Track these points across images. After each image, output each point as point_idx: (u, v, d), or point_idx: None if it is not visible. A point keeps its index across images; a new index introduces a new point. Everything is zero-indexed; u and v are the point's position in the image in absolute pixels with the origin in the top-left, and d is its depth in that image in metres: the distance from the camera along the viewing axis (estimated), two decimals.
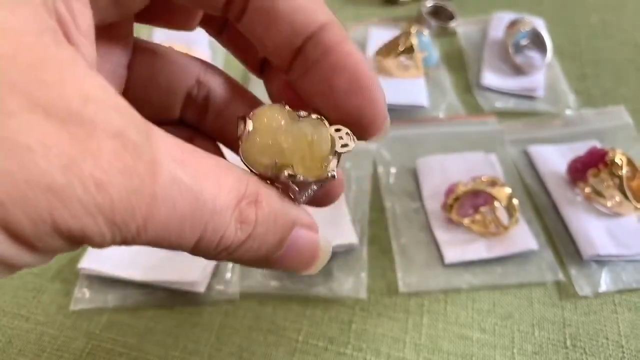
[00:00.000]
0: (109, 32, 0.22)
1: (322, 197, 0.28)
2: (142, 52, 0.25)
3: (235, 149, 0.27)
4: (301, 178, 0.21)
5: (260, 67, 0.26)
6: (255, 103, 0.26)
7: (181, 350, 0.37)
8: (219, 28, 0.26)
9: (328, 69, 0.22)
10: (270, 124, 0.22)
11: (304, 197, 0.23)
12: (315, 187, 0.22)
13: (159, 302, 0.39)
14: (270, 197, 0.20)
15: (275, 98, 0.26)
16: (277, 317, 0.39)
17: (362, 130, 0.23)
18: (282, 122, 0.22)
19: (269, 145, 0.21)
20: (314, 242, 0.23)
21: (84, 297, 0.40)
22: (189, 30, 0.26)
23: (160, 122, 0.24)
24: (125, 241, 0.16)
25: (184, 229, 0.17)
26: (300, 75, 0.23)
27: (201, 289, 0.39)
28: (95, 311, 0.39)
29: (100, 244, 0.16)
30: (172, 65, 0.25)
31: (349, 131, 0.22)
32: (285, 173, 0.21)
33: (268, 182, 0.22)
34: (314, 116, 0.22)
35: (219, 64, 0.61)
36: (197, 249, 0.19)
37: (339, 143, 0.22)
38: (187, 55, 0.26)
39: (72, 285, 0.40)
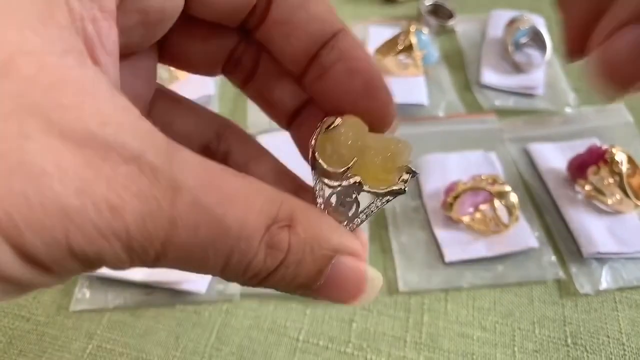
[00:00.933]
0: (134, 62, 0.22)
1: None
2: (162, 96, 0.25)
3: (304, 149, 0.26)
4: (369, 189, 0.21)
5: (289, 119, 0.26)
6: (275, 164, 0.26)
7: (182, 350, 0.37)
8: (245, 77, 0.26)
9: (343, 73, 0.22)
10: (357, 126, 0.22)
11: (357, 220, 0.22)
12: (377, 205, 0.22)
13: (160, 302, 0.39)
14: (308, 220, 0.19)
15: (303, 150, 0.26)
16: (277, 316, 0.39)
17: (373, 127, 0.23)
18: (363, 126, 0.22)
19: (353, 139, 0.21)
20: (359, 273, 0.21)
21: (84, 297, 0.40)
22: (213, 74, 0.26)
23: None
24: (145, 264, 0.16)
25: (207, 255, 0.17)
26: (314, 79, 0.23)
27: (202, 288, 0.39)
28: (96, 311, 0.39)
29: (118, 267, 0.15)
30: (191, 114, 0.26)
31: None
32: (356, 179, 0.21)
33: (319, 200, 0.21)
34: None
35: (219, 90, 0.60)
36: (225, 275, 0.18)
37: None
38: (206, 108, 0.26)
39: (72, 285, 0.40)
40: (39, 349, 0.37)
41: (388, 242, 0.43)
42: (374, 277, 0.22)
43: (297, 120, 0.26)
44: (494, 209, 0.43)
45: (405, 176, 0.21)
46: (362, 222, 0.22)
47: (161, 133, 0.16)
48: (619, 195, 0.42)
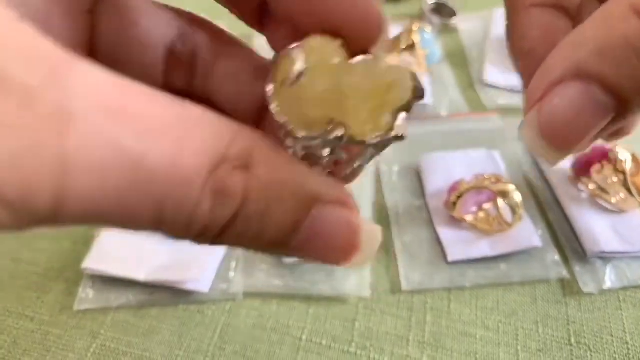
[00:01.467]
0: None
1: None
2: (109, 0, 0.21)
3: (250, 102, 0.21)
4: (359, 139, 0.16)
5: (259, 18, 0.22)
6: (253, 57, 0.22)
7: (185, 349, 0.37)
8: None
9: None
10: (327, 60, 0.16)
11: (348, 170, 0.18)
12: (371, 153, 0.17)
13: (163, 301, 0.40)
14: (272, 159, 0.15)
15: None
16: (280, 315, 0.39)
17: (358, 40, 0.18)
18: (337, 59, 0.16)
19: (325, 91, 0.16)
20: (350, 224, 0.17)
21: (88, 297, 0.40)
22: None
23: None
24: (41, 220, 0.12)
25: (127, 206, 0.13)
26: None
27: (205, 288, 0.40)
28: (100, 311, 0.39)
29: (4, 227, 0.12)
30: (147, 15, 0.21)
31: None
32: (338, 133, 0.15)
33: (289, 148, 0.16)
34: (368, 57, 0.17)
35: None
36: (164, 231, 0.14)
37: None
38: (165, 5, 0.22)
39: (76, 285, 0.40)
40: (43, 348, 0.37)
41: (391, 241, 0.43)
42: (370, 229, 0.18)
43: (269, 16, 0.21)
44: (497, 208, 0.43)
45: (402, 117, 0.16)
46: (353, 172, 0.18)
47: (49, 42, 0.12)
48: (623, 194, 0.42)
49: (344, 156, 0.17)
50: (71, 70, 0.12)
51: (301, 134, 0.16)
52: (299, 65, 0.15)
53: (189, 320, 0.39)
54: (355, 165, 0.17)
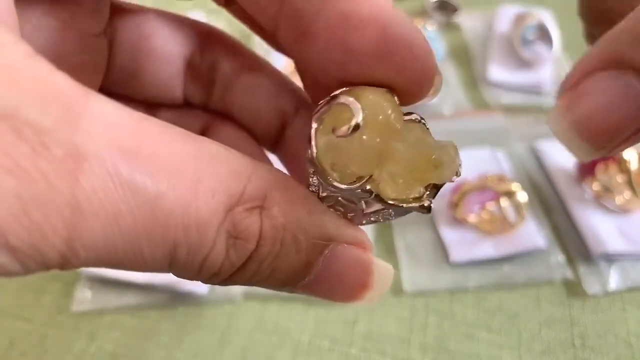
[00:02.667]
0: None
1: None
2: (124, 15, 0.20)
3: (270, 118, 0.20)
4: (388, 201, 0.15)
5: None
6: (274, 73, 0.21)
7: (184, 351, 0.37)
8: None
9: (337, 25, 0.15)
10: (377, 115, 0.15)
11: (364, 220, 0.17)
12: (391, 214, 0.17)
13: (162, 303, 0.39)
14: (288, 199, 0.15)
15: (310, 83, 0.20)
16: (280, 317, 0.38)
17: (409, 92, 0.17)
18: (392, 116, 0.15)
19: (372, 151, 0.15)
20: (363, 264, 0.16)
21: (85, 298, 0.39)
22: None
23: (163, 105, 0.21)
24: (50, 267, 0.12)
25: (140, 251, 0.12)
26: (293, 38, 0.17)
27: (203, 289, 0.39)
28: (97, 313, 0.39)
29: (11, 274, 0.11)
30: (164, 29, 0.20)
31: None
32: (367, 187, 0.15)
33: (313, 186, 0.16)
34: (413, 117, 0.16)
35: None
36: (175, 273, 0.14)
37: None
38: (181, 17, 0.21)
39: (73, 286, 0.40)
40: (41, 349, 0.37)
41: (393, 241, 0.43)
42: (383, 268, 0.17)
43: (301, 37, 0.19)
44: (500, 208, 0.42)
45: (431, 191, 0.16)
46: (367, 223, 0.17)
47: (63, 78, 0.12)
48: (627, 194, 0.42)
49: (365, 207, 0.16)
50: (85, 109, 0.12)
51: (336, 183, 0.15)
52: (356, 119, 0.14)
53: (187, 323, 0.38)
54: (373, 218, 0.17)
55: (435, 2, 0.66)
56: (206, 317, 0.38)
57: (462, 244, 0.42)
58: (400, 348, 0.37)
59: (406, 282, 0.40)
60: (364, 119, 0.14)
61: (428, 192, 0.16)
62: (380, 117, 0.15)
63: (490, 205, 0.43)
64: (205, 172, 0.13)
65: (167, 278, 0.39)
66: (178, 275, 0.14)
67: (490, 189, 0.42)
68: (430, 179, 0.16)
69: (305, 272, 0.15)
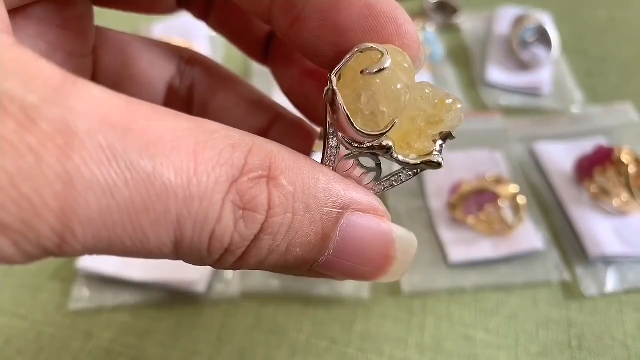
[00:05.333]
0: (58, 15, 0.18)
1: None
2: (109, 41, 0.21)
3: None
4: (400, 157, 0.16)
5: (264, 50, 0.21)
6: (248, 91, 0.22)
7: (182, 350, 0.37)
8: (205, 7, 0.22)
9: (327, 7, 0.16)
10: (401, 62, 0.16)
11: (376, 188, 0.17)
12: (406, 175, 0.17)
13: (159, 302, 0.39)
14: (295, 166, 0.14)
15: (287, 90, 0.21)
16: (278, 317, 0.38)
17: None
18: (411, 67, 0.16)
19: (402, 81, 0.15)
20: (383, 234, 0.15)
21: (83, 296, 0.39)
22: (166, 13, 0.22)
23: None
24: (47, 248, 0.11)
25: (142, 226, 0.12)
26: (287, 25, 0.17)
27: (201, 288, 0.39)
28: (95, 310, 0.39)
29: (9, 260, 0.11)
30: (147, 54, 0.21)
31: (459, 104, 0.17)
32: (387, 144, 0.15)
33: (327, 159, 0.16)
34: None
35: (219, 60, 0.60)
36: (183, 255, 0.13)
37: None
38: (164, 43, 0.22)
39: (70, 284, 0.40)
40: (37, 347, 0.37)
41: None
42: (405, 237, 0.16)
43: (275, 50, 0.21)
44: (498, 209, 0.42)
45: (440, 144, 0.16)
46: (380, 191, 0.17)
47: (50, 64, 0.12)
48: (625, 196, 0.42)
49: (374, 174, 0.17)
50: (73, 89, 0.11)
51: (362, 129, 0.15)
52: (386, 57, 0.15)
53: (185, 321, 0.38)
54: (384, 185, 0.17)
55: (435, 3, 0.66)
56: (204, 316, 0.38)
57: (460, 245, 0.42)
58: (398, 348, 0.37)
59: (404, 282, 0.40)
60: (388, 53, 0.15)
61: (438, 149, 0.16)
62: (405, 64, 0.16)
63: (489, 207, 0.43)
64: (204, 145, 0.12)
65: (164, 276, 0.39)
66: (187, 260, 0.13)
67: (488, 190, 0.42)
68: (444, 127, 0.16)
69: (323, 245, 0.14)
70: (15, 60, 0.11)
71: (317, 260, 0.15)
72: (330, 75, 0.16)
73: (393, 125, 0.15)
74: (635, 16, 0.66)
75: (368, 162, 0.17)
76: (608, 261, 0.41)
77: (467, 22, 0.65)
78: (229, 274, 0.40)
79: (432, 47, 0.57)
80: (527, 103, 0.55)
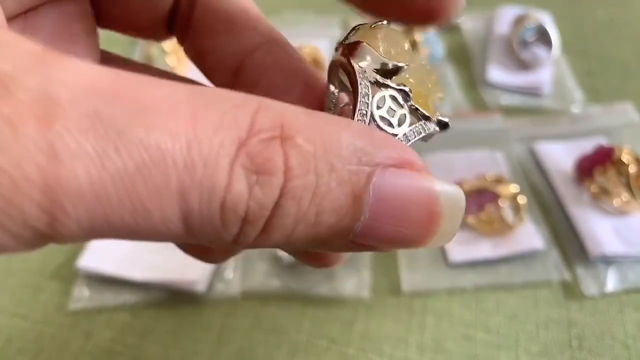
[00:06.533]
0: (68, 27, 0.19)
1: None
2: (113, 64, 0.21)
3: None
4: (417, 107, 0.17)
5: (232, 79, 0.21)
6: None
7: (182, 350, 0.37)
8: (181, 31, 0.21)
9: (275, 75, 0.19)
10: (400, 43, 0.17)
11: (408, 140, 0.16)
12: (425, 129, 0.17)
13: (159, 301, 0.39)
14: (311, 122, 0.12)
15: None
16: (279, 316, 0.38)
17: (424, 15, 0.16)
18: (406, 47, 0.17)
19: (402, 35, 0.17)
20: (424, 189, 0.13)
21: (83, 296, 0.39)
22: (158, 37, 0.22)
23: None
24: (39, 231, 0.10)
25: (140, 200, 0.11)
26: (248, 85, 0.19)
27: (201, 288, 0.39)
28: (95, 310, 0.39)
29: (2, 248, 0.10)
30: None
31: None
32: (405, 88, 0.16)
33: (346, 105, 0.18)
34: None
35: None
36: (199, 234, 0.12)
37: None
38: (171, 73, 0.22)
39: (70, 284, 0.40)
40: (37, 347, 0.37)
41: None
42: (450, 192, 0.14)
43: (245, 74, 0.20)
44: (499, 209, 0.42)
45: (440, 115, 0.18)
46: (408, 141, 0.16)
47: (33, 41, 0.11)
48: (625, 196, 0.42)
49: (404, 121, 0.17)
50: (56, 60, 0.10)
51: (383, 55, 0.16)
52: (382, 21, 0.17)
53: (185, 321, 0.38)
54: (407, 132, 0.17)
55: None
56: (204, 315, 0.38)
57: (460, 245, 0.42)
58: (398, 348, 0.37)
59: (404, 282, 0.40)
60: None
61: (438, 112, 0.17)
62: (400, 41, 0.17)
63: (489, 207, 0.43)
64: (203, 108, 0.11)
65: (164, 275, 0.39)
66: (204, 241, 0.12)
67: (488, 190, 0.42)
68: (435, 94, 0.18)
69: (357, 209, 0.13)
70: None
71: (354, 228, 0.13)
72: (345, 38, 0.17)
73: (408, 66, 0.17)
74: (635, 16, 0.66)
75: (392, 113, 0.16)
76: (608, 261, 0.41)
77: (467, 22, 0.64)
78: (229, 273, 0.40)
79: (432, 47, 0.57)
80: (527, 103, 0.55)
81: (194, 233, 0.12)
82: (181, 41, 0.22)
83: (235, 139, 0.11)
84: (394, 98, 0.16)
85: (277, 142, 0.12)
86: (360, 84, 0.16)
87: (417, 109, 0.16)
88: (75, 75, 0.10)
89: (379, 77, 0.16)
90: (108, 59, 0.21)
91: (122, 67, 0.20)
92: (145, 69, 0.22)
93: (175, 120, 0.11)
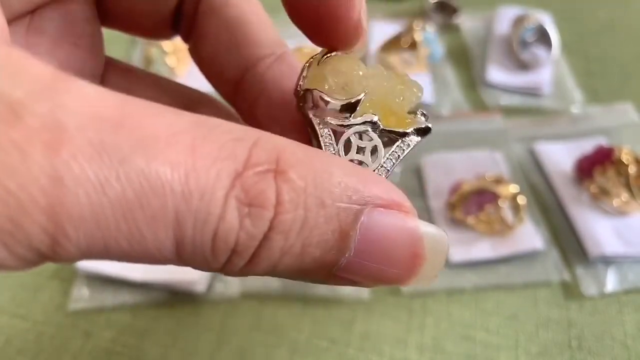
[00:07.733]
0: (72, 30, 0.19)
1: None
2: (116, 69, 0.22)
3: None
4: (388, 128, 0.16)
5: (234, 88, 0.21)
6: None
7: (181, 350, 0.37)
8: (186, 32, 0.22)
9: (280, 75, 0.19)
10: (352, 70, 0.17)
11: (382, 169, 0.17)
12: (403, 149, 0.17)
13: (159, 301, 0.39)
14: (305, 158, 0.13)
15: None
16: (278, 317, 0.38)
17: (329, 40, 0.17)
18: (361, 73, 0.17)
19: (362, 72, 0.17)
20: (409, 231, 0.14)
21: (83, 296, 0.39)
22: (163, 36, 0.23)
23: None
24: (40, 251, 0.11)
25: (137, 226, 0.11)
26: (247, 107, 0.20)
27: (201, 288, 0.39)
28: (94, 310, 0.39)
29: (3, 265, 0.11)
30: (154, 87, 0.22)
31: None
32: (371, 117, 0.16)
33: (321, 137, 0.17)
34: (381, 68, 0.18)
35: None
36: (189, 259, 0.12)
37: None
38: (174, 82, 0.23)
39: (70, 284, 0.40)
40: (37, 347, 0.37)
41: None
42: (434, 234, 0.14)
43: (245, 88, 0.20)
44: (498, 209, 0.42)
45: (422, 112, 0.17)
46: (388, 171, 0.17)
47: (41, 63, 0.11)
48: (625, 196, 0.42)
49: (375, 153, 0.17)
50: (64, 85, 0.11)
51: (335, 97, 0.16)
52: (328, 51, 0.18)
53: (185, 321, 0.38)
54: (389, 165, 0.17)
55: (435, 3, 0.66)
56: (203, 315, 0.38)
57: (460, 245, 0.42)
58: (398, 348, 0.37)
59: None
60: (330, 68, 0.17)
61: (422, 118, 0.17)
62: (354, 70, 0.17)
63: (489, 207, 0.43)
64: (203, 139, 0.12)
65: (164, 275, 0.39)
66: (192, 265, 0.13)
67: (488, 190, 0.42)
68: (404, 106, 0.17)
69: (343, 245, 0.13)
70: (3, 57, 0.11)
71: (338, 263, 0.13)
72: (297, 83, 0.17)
73: (364, 95, 0.16)
74: (635, 16, 0.66)
75: (364, 148, 0.17)
76: (608, 261, 0.41)
77: (467, 22, 0.64)
78: None
79: (431, 47, 0.57)
80: (527, 103, 0.55)
81: (184, 259, 0.12)
82: (185, 39, 0.22)
83: (232, 172, 0.12)
84: (360, 134, 0.16)
85: (271, 175, 0.12)
86: (322, 135, 0.16)
87: (389, 131, 0.16)
88: (82, 102, 0.11)
89: (338, 120, 0.16)
90: (111, 64, 0.21)
91: (126, 75, 0.21)
92: (147, 77, 0.22)
93: (175, 151, 0.11)
